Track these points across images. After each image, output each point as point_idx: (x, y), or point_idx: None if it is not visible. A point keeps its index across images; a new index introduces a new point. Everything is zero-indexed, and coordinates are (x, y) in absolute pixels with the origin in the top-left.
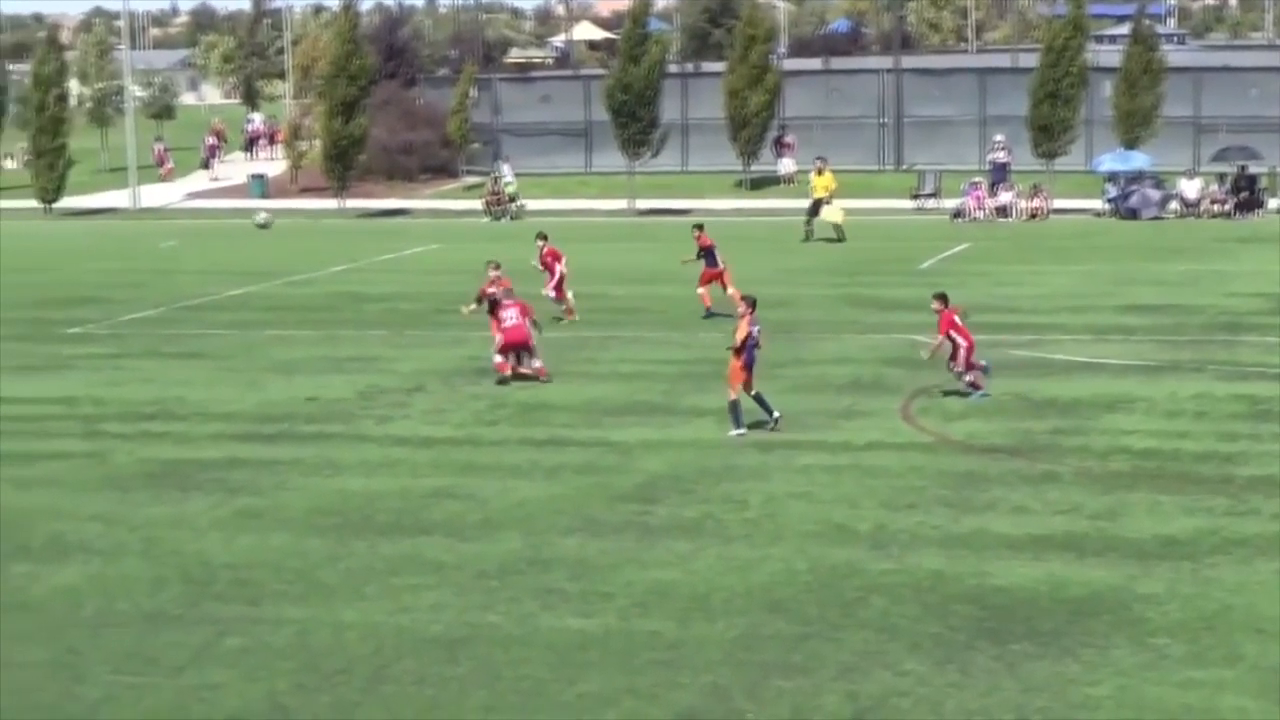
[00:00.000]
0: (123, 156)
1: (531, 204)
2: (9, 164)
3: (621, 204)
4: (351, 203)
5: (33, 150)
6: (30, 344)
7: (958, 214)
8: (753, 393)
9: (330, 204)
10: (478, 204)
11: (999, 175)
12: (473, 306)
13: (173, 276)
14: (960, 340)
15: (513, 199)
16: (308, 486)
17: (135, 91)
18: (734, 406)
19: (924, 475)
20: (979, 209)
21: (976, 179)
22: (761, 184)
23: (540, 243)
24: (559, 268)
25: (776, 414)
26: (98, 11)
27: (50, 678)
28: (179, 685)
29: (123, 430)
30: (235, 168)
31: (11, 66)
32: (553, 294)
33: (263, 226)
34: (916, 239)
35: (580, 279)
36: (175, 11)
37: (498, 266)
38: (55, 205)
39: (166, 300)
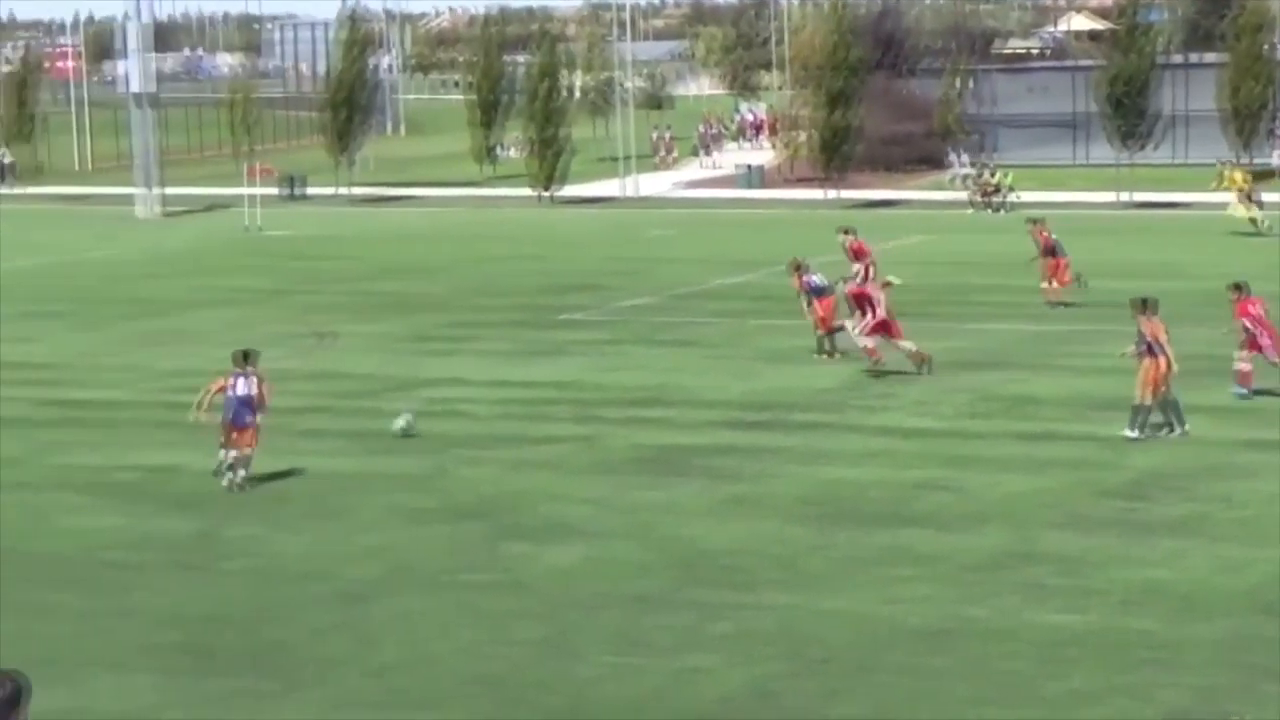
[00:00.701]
0: (619, 146)
1: (1023, 196)
2: (512, 153)
3: (1111, 196)
4: (841, 193)
5: (533, 139)
6: (528, 329)
7: None
8: (1172, 397)
9: (818, 194)
10: (965, 195)
11: None
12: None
13: (664, 265)
14: (1253, 328)
15: (997, 189)
16: (795, 474)
17: (634, 82)
18: (1143, 411)
19: None
20: None
21: None
22: (1259, 177)
23: (844, 237)
24: (867, 260)
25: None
26: (596, 4)
27: (545, 655)
28: (667, 668)
29: (615, 415)
30: (727, 157)
31: (513, 58)
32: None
33: (406, 433)
34: None
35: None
36: (676, 4)
37: (798, 268)
38: (553, 194)
39: (658, 288)
